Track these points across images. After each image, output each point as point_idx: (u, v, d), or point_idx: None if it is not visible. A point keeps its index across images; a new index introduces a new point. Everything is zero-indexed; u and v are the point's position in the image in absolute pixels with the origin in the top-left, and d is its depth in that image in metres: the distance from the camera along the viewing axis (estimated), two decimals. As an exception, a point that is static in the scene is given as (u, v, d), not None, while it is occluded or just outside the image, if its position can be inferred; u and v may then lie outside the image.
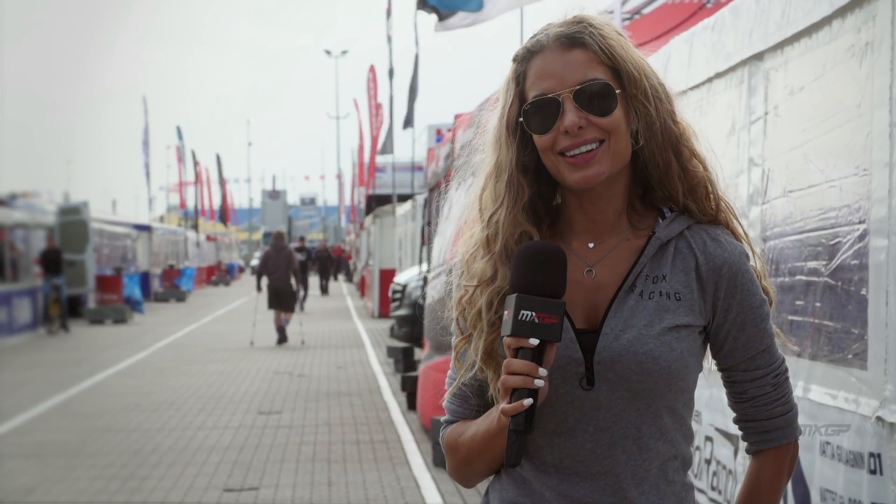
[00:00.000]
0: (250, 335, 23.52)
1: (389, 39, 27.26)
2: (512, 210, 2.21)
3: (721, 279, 2.20)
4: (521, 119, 2.19)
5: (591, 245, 2.20)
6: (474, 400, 2.29)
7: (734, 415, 2.33)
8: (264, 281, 22.26)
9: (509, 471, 2.25)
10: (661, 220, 2.23)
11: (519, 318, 2.04)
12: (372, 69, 41.49)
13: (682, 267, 2.20)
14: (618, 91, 2.14)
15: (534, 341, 2.04)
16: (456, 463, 2.30)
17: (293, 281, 22.23)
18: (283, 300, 22.19)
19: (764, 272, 2.32)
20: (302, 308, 31.99)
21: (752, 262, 2.27)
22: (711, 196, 2.25)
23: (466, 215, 2.34)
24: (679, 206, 2.24)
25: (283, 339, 22.51)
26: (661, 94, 2.20)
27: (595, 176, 2.13)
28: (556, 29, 2.18)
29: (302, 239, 44.18)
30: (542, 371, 2.04)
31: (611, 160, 2.14)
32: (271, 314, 23.31)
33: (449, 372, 2.33)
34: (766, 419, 2.29)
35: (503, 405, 2.06)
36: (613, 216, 2.22)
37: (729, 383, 2.30)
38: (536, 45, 2.19)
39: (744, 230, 2.31)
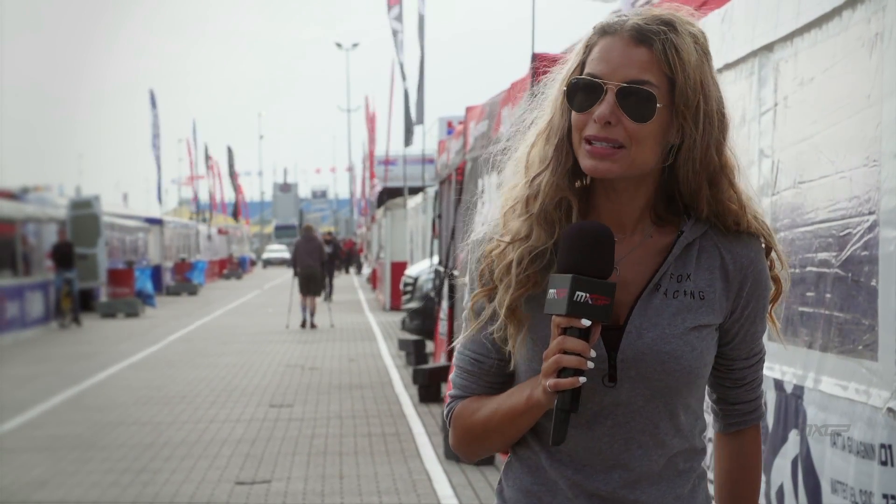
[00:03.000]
0: (286, 319, 25.66)
1: (395, 33, 27.11)
2: (555, 174, 2.19)
3: (746, 278, 2.23)
4: (564, 88, 2.17)
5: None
6: (489, 364, 2.25)
7: (718, 398, 2.35)
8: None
9: (523, 458, 2.25)
10: (686, 220, 2.22)
11: (574, 299, 2.04)
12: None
13: (707, 265, 2.21)
14: (660, 105, 2.11)
15: (586, 322, 2.04)
16: (467, 439, 2.28)
17: (320, 269, 25.01)
18: (312, 286, 24.67)
19: (785, 264, 2.32)
20: (330, 298, 33.84)
21: (774, 259, 2.29)
22: (742, 226, 2.22)
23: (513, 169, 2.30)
24: (702, 220, 2.22)
25: (311, 324, 24.72)
26: (713, 121, 2.16)
27: (605, 171, 2.12)
28: (636, 19, 2.14)
29: (329, 233, 45.76)
30: (593, 352, 2.05)
31: (627, 165, 2.12)
32: (291, 305, 25.77)
33: (458, 346, 2.30)
34: (754, 399, 2.36)
35: (554, 380, 2.04)
36: (638, 212, 2.21)
37: (728, 371, 2.31)
38: (612, 26, 2.15)
39: (773, 239, 2.28)
